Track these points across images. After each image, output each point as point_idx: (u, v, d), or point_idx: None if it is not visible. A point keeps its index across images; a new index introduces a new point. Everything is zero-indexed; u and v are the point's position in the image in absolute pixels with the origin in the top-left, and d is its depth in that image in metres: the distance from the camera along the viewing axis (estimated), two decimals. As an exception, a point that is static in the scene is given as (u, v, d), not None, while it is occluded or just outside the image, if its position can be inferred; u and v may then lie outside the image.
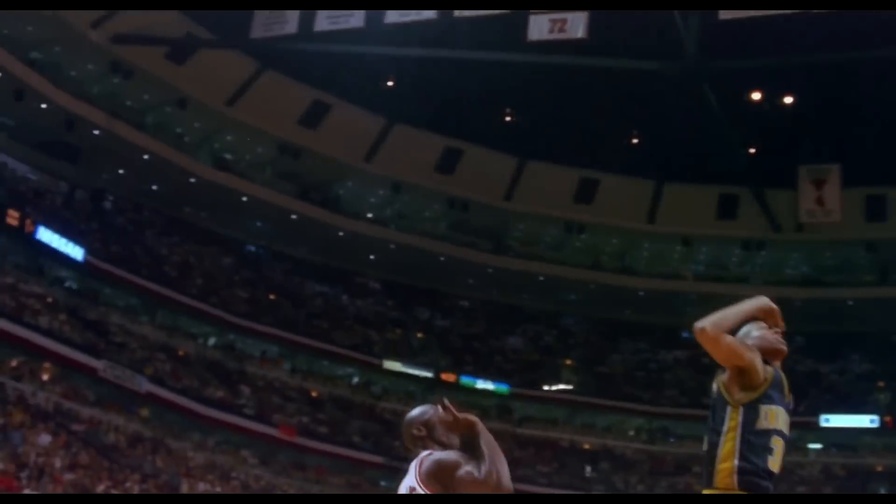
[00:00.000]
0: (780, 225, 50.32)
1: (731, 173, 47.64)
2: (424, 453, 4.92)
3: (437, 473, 4.72)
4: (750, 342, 5.09)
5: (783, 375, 5.12)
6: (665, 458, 49.72)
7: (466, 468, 4.62)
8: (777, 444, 5.01)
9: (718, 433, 5.00)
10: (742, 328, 5.19)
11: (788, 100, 46.21)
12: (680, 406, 50.44)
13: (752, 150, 48.60)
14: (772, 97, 45.98)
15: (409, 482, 4.80)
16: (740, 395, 5.00)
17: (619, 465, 50.22)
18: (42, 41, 43.83)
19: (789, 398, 5.14)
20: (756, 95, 45.75)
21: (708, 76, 39.72)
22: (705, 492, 5.03)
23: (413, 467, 4.85)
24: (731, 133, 43.87)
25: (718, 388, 5.10)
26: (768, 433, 4.98)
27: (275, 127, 49.93)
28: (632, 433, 52.98)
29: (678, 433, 51.83)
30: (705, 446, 5.11)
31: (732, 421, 4.98)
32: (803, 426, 45.87)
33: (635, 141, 50.89)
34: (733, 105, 43.09)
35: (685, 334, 55.09)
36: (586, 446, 51.97)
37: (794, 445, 47.71)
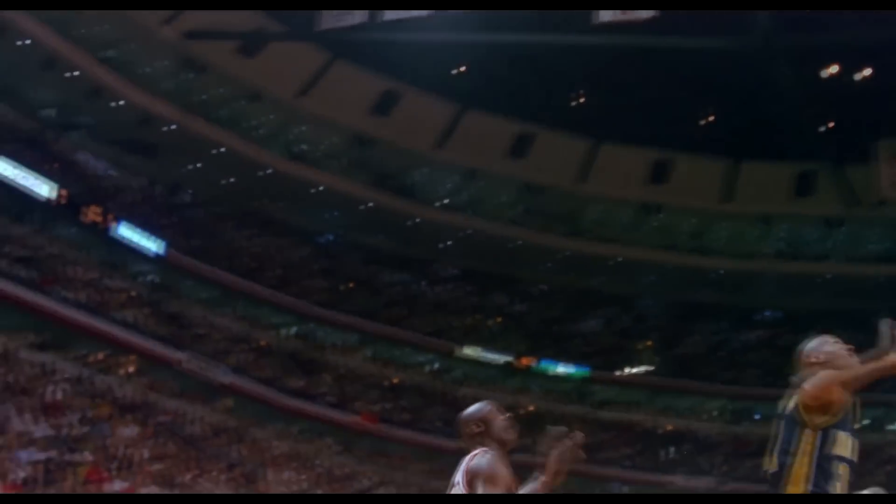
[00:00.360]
0: (859, 201, 49.43)
1: (809, 150, 46.90)
2: (478, 450, 4.95)
3: (479, 477, 4.77)
4: (822, 356, 4.98)
5: (857, 400, 4.97)
6: (748, 439, 49.07)
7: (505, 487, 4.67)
8: (845, 472, 4.81)
9: (789, 454, 4.85)
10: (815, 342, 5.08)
11: (866, 73, 45.25)
12: (761, 386, 49.77)
13: (829, 126, 47.74)
14: (849, 71, 45.09)
15: (456, 478, 4.88)
16: (820, 420, 4.83)
17: (701, 447, 49.76)
18: (115, 40, 44.54)
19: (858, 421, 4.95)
20: (832, 69, 44.90)
21: (782, 51, 39.09)
22: None
23: (464, 463, 4.90)
24: (807, 109, 43.16)
25: (796, 406, 4.91)
26: (840, 460, 4.81)
27: (346, 116, 50.22)
28: (714, 414, 52.37)
29: (760, 413, 51.20)
30: (772, 466, 4.92)
31: (807, 444, 4.82)
32: (886, 405, 45.06)
33: (710, 119, 50.29)
34: (809, 80, 42.42)
35: (766, 313, 54.62)
36: (667, 428, 51.54)
37: (878, 424, 47.19)
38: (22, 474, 16.16)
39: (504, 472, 4.84)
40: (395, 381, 50.68)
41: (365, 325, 50.82)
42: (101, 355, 36.57)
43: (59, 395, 26.12)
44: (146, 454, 23.62)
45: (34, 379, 26.54)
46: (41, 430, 21.37)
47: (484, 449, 4.95)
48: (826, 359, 4.95)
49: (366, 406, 46.43)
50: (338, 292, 52.57)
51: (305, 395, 44.95)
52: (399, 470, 43.14)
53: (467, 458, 4.93)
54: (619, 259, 54.10)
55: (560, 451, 5.13)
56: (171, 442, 27.73)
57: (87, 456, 20.54)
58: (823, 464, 4.77)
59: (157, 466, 22.61)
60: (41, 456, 18.51)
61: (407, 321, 52.49)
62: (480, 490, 4.69)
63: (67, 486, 16.12)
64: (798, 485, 4.76)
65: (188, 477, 22.58)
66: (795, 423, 4.89)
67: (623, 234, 55.37)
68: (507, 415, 5.14)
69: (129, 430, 25.62)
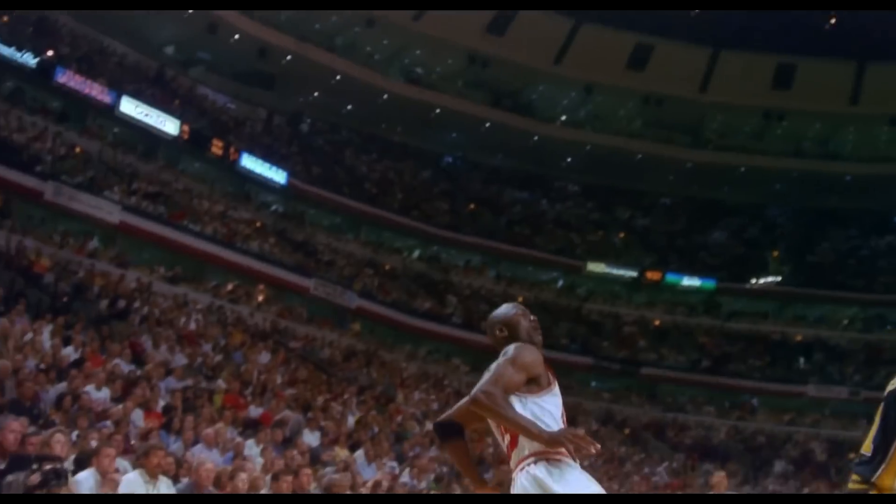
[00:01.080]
0: None
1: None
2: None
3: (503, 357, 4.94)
4: None
5: None
6: (882, 347, 48.06)
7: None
8: None
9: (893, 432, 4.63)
10: None
11: None
12: (894, 293, 48.54)
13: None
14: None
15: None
16: None
17: (833, 356, 48.91)
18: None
19: None
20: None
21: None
22: (854, 487, 4.73)
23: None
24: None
25: None
26: None
27: (462, 37, 49.97)
28: (845, 323, 51.34)
29: (894, 321, 50.05)
30: (867, 447, 4.72)
31: None
32: None
33: (832, 21, 48.61)
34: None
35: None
36: (798, 338, 50.73)
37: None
38: (162, 402, 16.72)
39: (529, 358, 5.02)
40: (521, 299, 50.78)
41: (489, 245, 51.04)
42: (231, 286, 37.45)
43: (194, 326, 26.87)
44: (279, 380, 24.19)
45: (169, 311, 27.31)
46: (179, 359, 22.03)
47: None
48: None
49: (493, 325, 46.63)
50: (460, 214, 52.81)
51: (432, 316, 45.46)
52: (529, 387, 43.33)
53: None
54: (744, 168, 53.10)
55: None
56: (302, 367, 28.32)
57: (223, 383, 21.14)
58: None
59: (290, 391, 23.14)
60: (180, 385, 19.08)
61: (530, 240, 52.55)
62: (495, 366, 4.91)
63: (206, 412, 16.65)
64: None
65: (320, 401, 23.08)
66: None
67: (747, 143, 54.29)
68: (533, 318, 5.32)
69: (261, 357, 26.26)
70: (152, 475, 9.66)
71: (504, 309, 5.42)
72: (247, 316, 33.54)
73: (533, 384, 4.96)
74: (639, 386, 47.16)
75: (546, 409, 4.89)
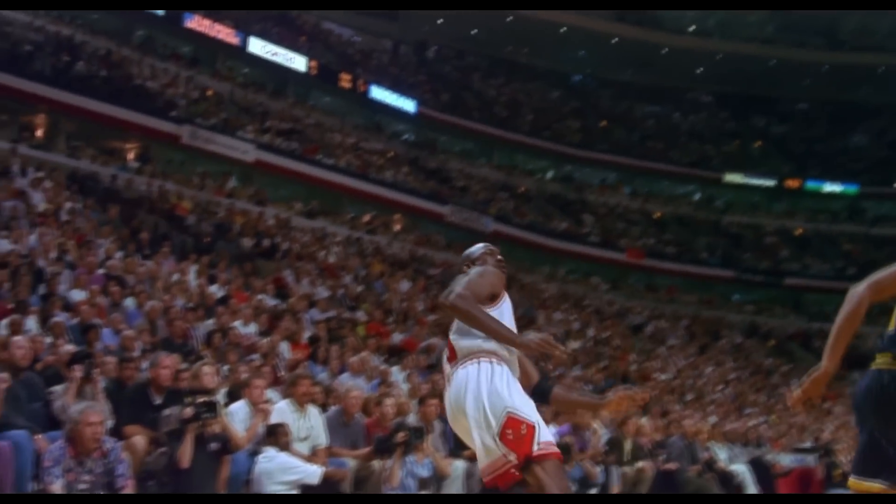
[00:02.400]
0: None
1: None
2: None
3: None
4: None
5: None
6: None
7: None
8: None
9: None
10: None
11: None
12: None
13: None
14: None
15: None
16: None
17: None
18: None
19: None
20: None
21: None
22: (882, 362, 4.47)
23: None
24: None
25: None
26: None
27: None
28: None
29: None
30: (893, 324, 4.55)
31: None
32: None
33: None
34: None
35: None
36: (948, 240, 49.00)
37: None
38: (308, 334, 17.04)
39: (494, 277, 5.21)
40: (658, 214, 50.27)
41: (623, 161, 50.52)
42: (368, 216, 37.85)
43: (334, 259, 27.24)
44: (420, 307, 24.43)
45: (309, 245, 27.75)
46: (321, 292, 22.39)
47: None
48: None
49: (631, 242, 46.37)
50: (592, 131, 52.29)
51: (569, 236, 45.28)
52: (668, 303, 43.08)
53: None
54: (883, 68, 51.16)
55: (621, 396, 5.29)
56: (441, 294, 28.58)
57: (366, 313, 21.44)
58: None
59: (431, 317, 23.36)
60: (323, 316, 19.41)
61: (665, 154, 51.81)
62: (465, 277, 5.12)
63: (350, 342, 16.91)
64: None
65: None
66: None
67: (885, 41, 52.12)
68: (500, 257, 5.56)
69: (402, 285, 26.52)
70: (301, 403, 9.86)
71: (473, 248, 5.70)
72: (385, 245, 33.86)
73: (491, 301, 5.14)
74: (783, 297, 46.31)
75: (504, 318, 5.05)
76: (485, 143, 48.84)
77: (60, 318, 12.75)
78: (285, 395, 10.30)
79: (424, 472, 9.97)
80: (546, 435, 4.84)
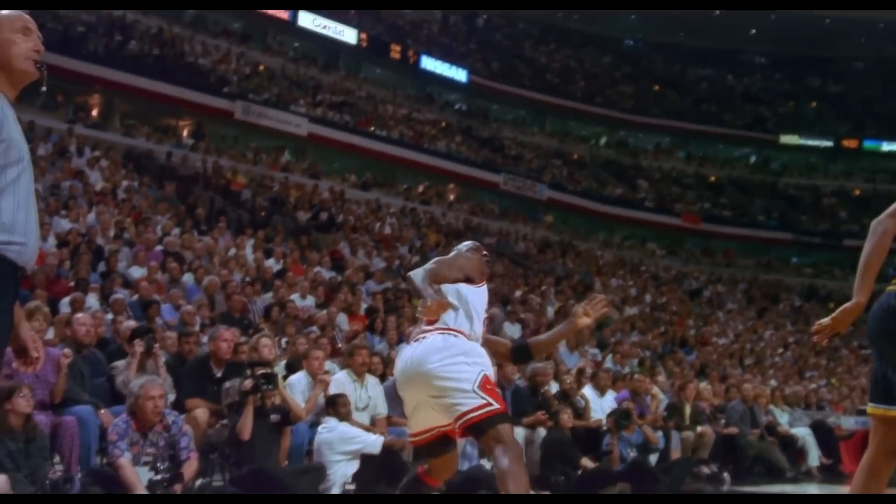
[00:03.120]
0: None
1: None
2: None
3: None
4: None
5: None
6: None
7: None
8: None
9: None
10: None
11: None
12: None
13: None
14: None
15: None
16: None
17: None
18: None
19: None
20: None
21: None
22: None
23: None
24: None
25: None
26: None
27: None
28: None
29: None
30: None
31: None
32: None
33: None
34: None
35: None
36: None
37: None
38: (365, 305, 17.12)
39: (470, 265, 5.37)
40: (714, 178, 49.84)
41: (676, 125, 50.10)
42: (422, 187, 37.89)
43: (389, 230, 27.30)
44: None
45: (364, 217, 27.83)
46: (377, 263, 22.46)
47: None
48: None
49: (686, 207, 46.04)
50: (645, 96, 51.89)
51: (625, 202, 45.05)
52: (726, 267, 42.76)
53: None
54: (942, 22, 50.24)
55: (587, 303, 5.55)
56: (498, 262, 28.53)
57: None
58: None
59: (489, 285, 23.38)
60: (380, 287, 19.47)
61: (719, 117, 51.32)
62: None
63: (408, 312, 16.96)
64: None
65: (518, 294, 23.24)
66: None
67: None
68: (485, 253, 5.67)
69: (457, 255, 26.52)
70: (359, 374, 9.91)
71: (462, 245, 5.75)
72: (440, 216, 33.89)
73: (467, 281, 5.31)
74: (841, 258, 45.65)
75: (479, 298, 5.28)
76: (537, 111, 48.65)
77: (120, 294, 12.91)
78: (343, 366, 10.36)
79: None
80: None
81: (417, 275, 5.01)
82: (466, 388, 4.82)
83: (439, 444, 5.13)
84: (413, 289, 5.05)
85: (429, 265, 5.14)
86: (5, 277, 3.33)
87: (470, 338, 5.12)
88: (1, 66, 3.43)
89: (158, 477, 7.10)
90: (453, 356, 4.92)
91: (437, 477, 5.27)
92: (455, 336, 5.06)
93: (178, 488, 7.38)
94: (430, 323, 5.10)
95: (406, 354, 5.11)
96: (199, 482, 8.28)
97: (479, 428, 4.79)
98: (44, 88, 3.56)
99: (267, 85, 36.41)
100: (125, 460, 7.21)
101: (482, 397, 4.81)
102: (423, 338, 5.07)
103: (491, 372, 5.01)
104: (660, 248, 42.97)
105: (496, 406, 4.81)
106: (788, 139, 50.79)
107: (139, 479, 7.14)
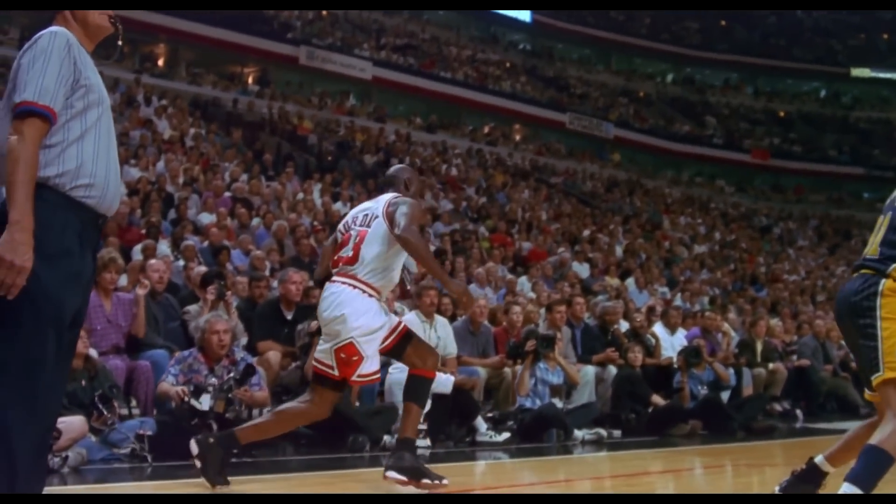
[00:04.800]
0: None
1: None
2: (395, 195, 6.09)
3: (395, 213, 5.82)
4: None
5: None
6: None
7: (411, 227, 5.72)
8: None
9: None
10: None
11: None
12: None
13: None
14: None
15: (375, 210, 6.01)
16: None
17: None
18: None
19: None
20: None
21: None
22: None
23: (384, 200, 6.03)
24: None
25: None
26: None
27: None
28: None
29: None
30: (874, 251, 4.69)
31: None
32: None
33: None
34: None
35: None
36: None
37: None
38: (432, 247, 17.14)
39: (421, 211, 6.19)
40: (783, 113, 49.06)
41: (744, 61, 49.33)
42: (487, 128, 37.77)
43: (455, 171, 27.28)
44: (544, 216, 24.37)
45: (430, 158, 27.83)
46: (444, 205, 22.46)
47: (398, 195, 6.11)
48: None
49: (755, 143, 45.44)
50: (712, 31, 51.10)
51: (692, 139, 44.59)
52: (796, 203, 42.22)
53: (389, 196, 6.08)
54: None
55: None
56: (566, 202, 28.41)
57: (490, 224, 21.46)
58: None
59: (556, 225, 23.28)
60: (448, 229, 19.49)
61: (788, 51, 50.39)
62: (407, 212, 5.76)
63: (475, 253, 16.97)
64: None
65: (587, 233, 23.15)
66: None
67: None
68: (421, 177, 6.32)
69: (524, 196, 26.46)
70: (428, 314, 9.94)
71: (396, 170, 6.55)
72: (506, 156, 33.79)
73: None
74: (916, 192, 44.89)
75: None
76: (602, 49, 48.19)
77: (191, 241, 13.04)
78: (413, 308, 10.41)
79: (555, 380, 10.01)
80: (370, 368, 5.79)
81: (418, 240, 5.70)
82: (326, 349, 5.83)
83: (401, 342, 5.93)
84: (422, 261, 5.88)
85: (414, 225, 5.73)
86: (87, 225, 3.40)
87: (383, 295, 6.00)
88: (78, 20, 3.51)
89: (214, 402, 7.21)
90: (345, 314, 5.76)
91: (423, 366, 5.92)
92: (370, 296, 5.86)
93: (243, 394, 7.49)
94: (354, 258, 5.89)
95: (331, 292, 5.91)
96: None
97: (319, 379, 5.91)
98: (120, 43, 3.65)
99: (330, 30, 36.40)
100: (166, 384, 7.39)
101: (331, 360, 5.79)
102: (349, 286, 5.85)
103: (364, 337, 5.76)
104: (728, 185, 42.55)
105: (333, 373, 5.79)
106: (860, 72, 49.87)
107: (176, 395, 7.26)
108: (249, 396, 7.54)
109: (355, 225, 6.02)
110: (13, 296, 3.13)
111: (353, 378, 5.81)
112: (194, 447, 5.77)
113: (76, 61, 3.38)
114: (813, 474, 4.93)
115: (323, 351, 5.84)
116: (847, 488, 4.09)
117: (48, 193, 3.29)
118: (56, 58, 3.31)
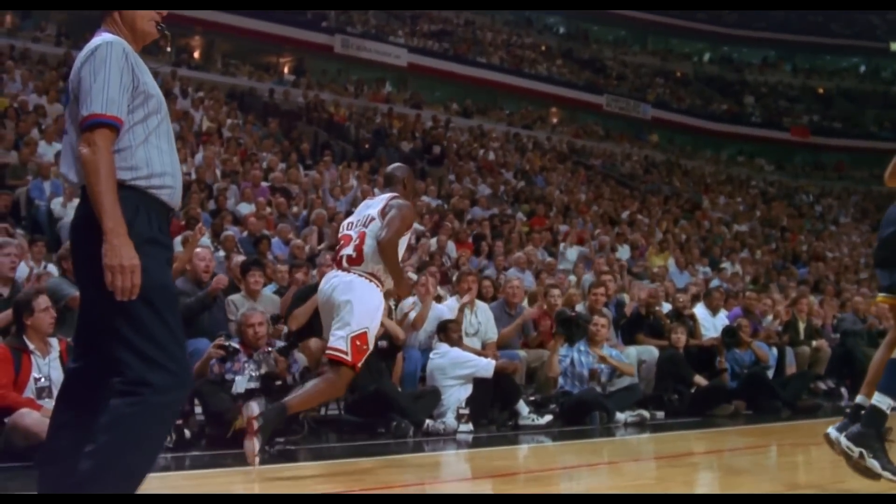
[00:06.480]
0: None
1: None
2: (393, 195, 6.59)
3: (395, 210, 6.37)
4: None
5: None
6: None
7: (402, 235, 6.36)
8: None
9: None
10: None
11: None
12: None
13: None
14: None
15: (372, 211, 6.49)
16: None
17: None
18: None
19: None
20: None
21: None
22: None
23: (383, 200, 6.55)
24: None
25: None
26: None
27: None
28: None
29: None
30: None
31: None
32: None
33: None
34: None
35: None
36: None
37: None
38: (472, 232, 17.15)
39: (412, 218, 6.63)
40: (822, 90, 48.59)
41: (782, 38, 48.91)
42: (523, 112, 37.66)
43: (493, 156, 27.25)
44: (583, 198, 24.30)
45: (467, 144, 27.81)
46: (482, 189, 22.46)
47: (396, 195, 6.60)
48: None
49: (794, 120, 45.06)
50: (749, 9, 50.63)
51: (731, 118, 44.29)
52: (837, 180, 41.86)
53: (387, 196, 6.60)
54: None
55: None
56: (604, 184, 28.33)
57: (528, 207, 21.44)
58: None
59: (596, 209, 23.22)
60: (486, 213, 19.50)
61: (826, 27, 49.86)
62: (397, 218, 6.30)
63: (514, 237, 16.97)
64: None
65: (626, 214, 23.06)
66: None
67: None
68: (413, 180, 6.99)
69: (562, 178, 26.41)
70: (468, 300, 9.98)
71: (394, 168, 7.12)
72: (543, 140, 33.71)
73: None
74: (963, 169, 44.40)
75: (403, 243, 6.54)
76: (638, 30, 47.90)
77: (231, 231, 13.11)
78: (453, 293, 10.43)
79: (593, 363, 9.98)
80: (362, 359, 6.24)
81: (391, 252, 6.24)
82: (341, 336, 6.17)
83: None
84: (389, 269, 6.30)
85: (394, 236, 6.26)
86: (162, 217, 3.58)
87: (384, 287, 6.44)
88: (126, 24, 3.64)
89: (252, 385, 7.39)
90: (357, 306, 6.22)
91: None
92: (378, 289, 6.34)
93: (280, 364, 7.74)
94: (359, 258, 6.35)
95: (336, 283, 6.37)
96: (312, 414, 8.41)
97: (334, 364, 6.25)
98: (168, 49, 3.81)
99: (364, 17, 36.41)
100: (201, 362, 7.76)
101: (348, 347, 6.14)
102: (358, 276, 6.31)
103: (374, 329, 6.27)
104: (768, 164, 42.24)
105: (348, 359, 6.12)
106: (900, 46, 49.37)
107: (214, 350, 7.66)
108: (283, 362, 7.70)
109: (355, 226, 6.52)
110: (136, 295, 3.31)
111: (359, 365, 6.23)
112: (254, 407, 6.34)
113: (134, 69, 3.52)
114: (858, 414, 5.19)
115: (339, 338, 6.19)
116: (878, 398, 4.72)
117: (128, 192, 3.45)
118: (116, 67, 3.45)
